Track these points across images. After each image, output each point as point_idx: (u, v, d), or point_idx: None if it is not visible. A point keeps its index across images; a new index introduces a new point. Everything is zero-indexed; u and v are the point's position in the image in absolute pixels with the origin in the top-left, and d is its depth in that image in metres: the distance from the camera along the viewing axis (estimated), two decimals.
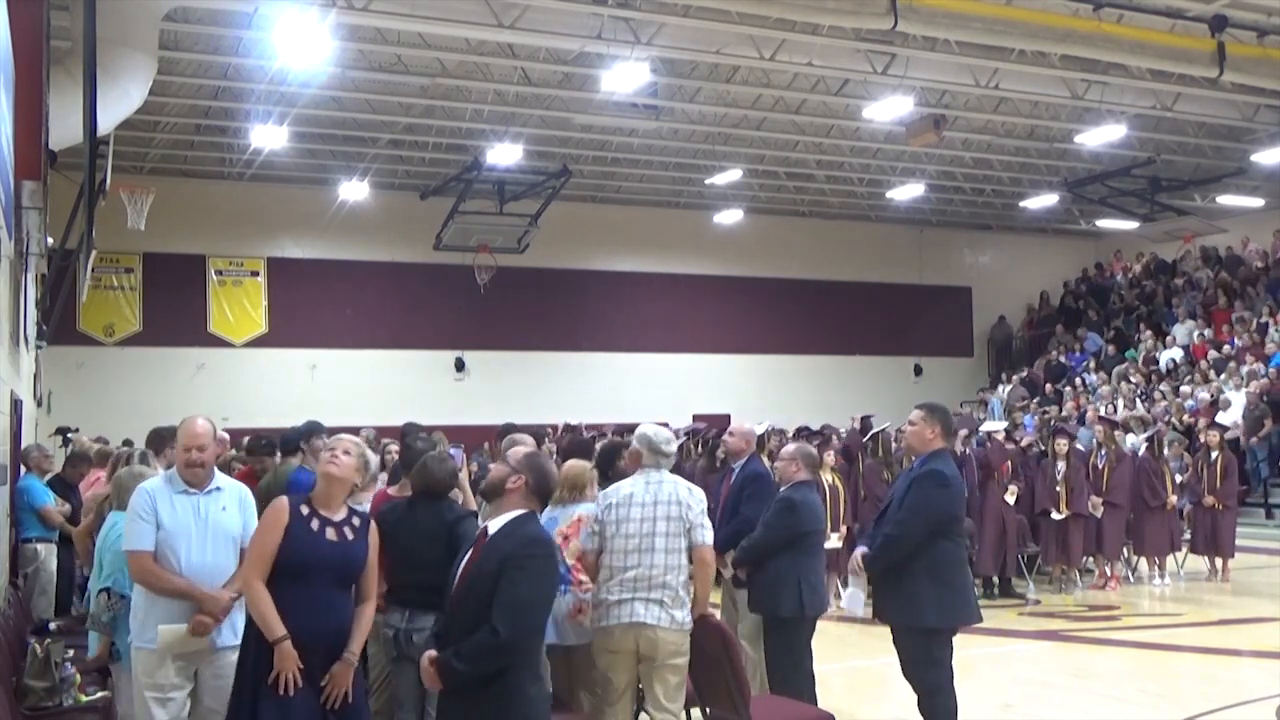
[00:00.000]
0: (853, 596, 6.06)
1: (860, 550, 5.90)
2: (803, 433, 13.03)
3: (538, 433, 8.94)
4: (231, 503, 4.92)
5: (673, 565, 5.10)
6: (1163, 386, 20.73)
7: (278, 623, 4.23)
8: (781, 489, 6.43)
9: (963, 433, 13.46)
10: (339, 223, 21.57)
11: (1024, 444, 12.99)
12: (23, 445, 9.74)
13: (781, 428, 15.00)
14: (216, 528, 4.82)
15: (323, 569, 4.36)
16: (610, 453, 6.40)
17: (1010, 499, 11.90)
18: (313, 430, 7.69)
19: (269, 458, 7.98)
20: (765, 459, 10.96)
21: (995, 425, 12.50)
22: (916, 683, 5.68)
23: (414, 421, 8.19)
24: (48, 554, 8.87)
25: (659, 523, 5.10)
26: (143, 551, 4.71)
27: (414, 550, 5.13)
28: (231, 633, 4.70)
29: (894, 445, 12.16)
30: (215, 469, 5.00)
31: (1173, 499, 12.82)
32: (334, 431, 4.91)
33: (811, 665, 6.24)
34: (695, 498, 5.26)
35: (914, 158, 21.55)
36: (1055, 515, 12.16)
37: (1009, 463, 12.18)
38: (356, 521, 4.54)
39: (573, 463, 5.90)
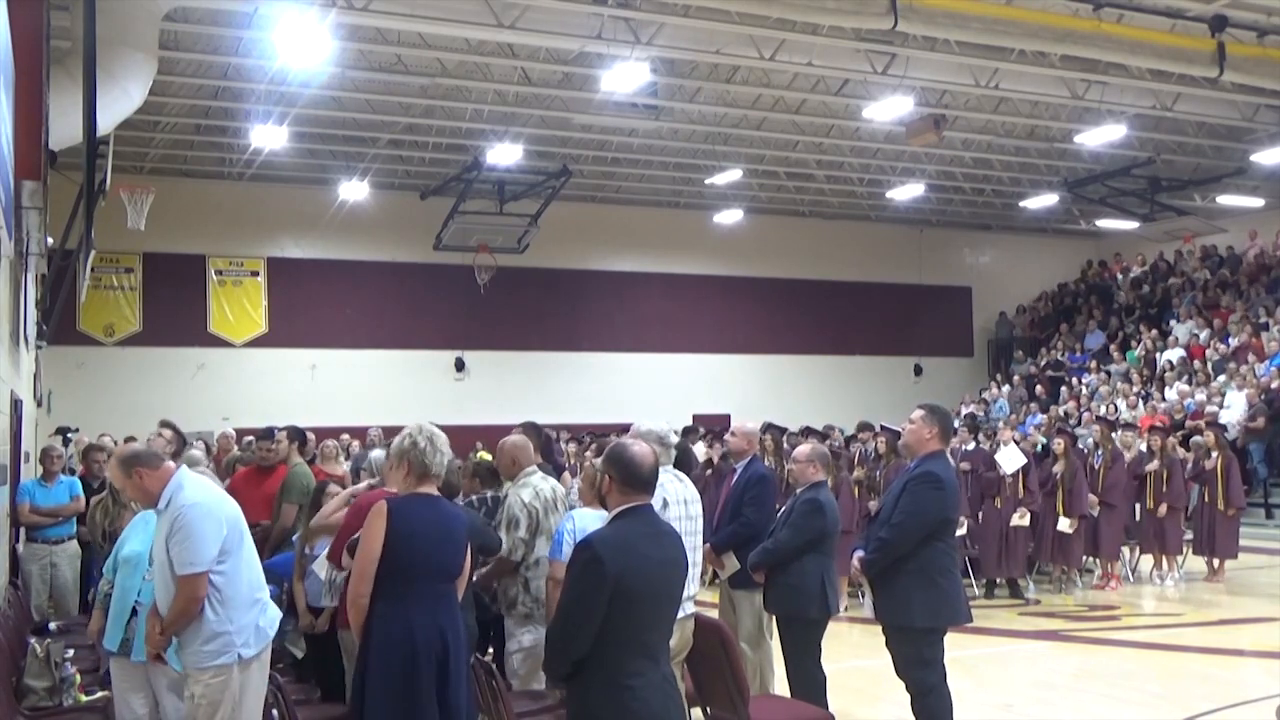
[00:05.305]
0: (871, 604, 6.04)
1: (858, 554, 5.91)
2: (807, 433, 12.99)
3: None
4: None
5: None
6: (1159, 385, 20.70)
7: None
8: (798, 490, 6.42)
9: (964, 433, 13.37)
10: (339, 223, 21.58)
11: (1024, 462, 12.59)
12: (23, 446, 9.72)
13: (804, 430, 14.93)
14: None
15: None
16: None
17: (1024, 521, 11.61)
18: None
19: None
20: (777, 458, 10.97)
21: (1011, 461, 11.95)
22: (909, 682, 5.73)
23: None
24: (28, 554, 8.76)
25: (694, 521, 5.07)
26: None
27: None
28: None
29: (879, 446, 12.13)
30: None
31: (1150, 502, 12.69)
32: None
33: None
34: None
35: (914, 158, 21.55)
36: (1063, 527, 11.86)
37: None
38: None
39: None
